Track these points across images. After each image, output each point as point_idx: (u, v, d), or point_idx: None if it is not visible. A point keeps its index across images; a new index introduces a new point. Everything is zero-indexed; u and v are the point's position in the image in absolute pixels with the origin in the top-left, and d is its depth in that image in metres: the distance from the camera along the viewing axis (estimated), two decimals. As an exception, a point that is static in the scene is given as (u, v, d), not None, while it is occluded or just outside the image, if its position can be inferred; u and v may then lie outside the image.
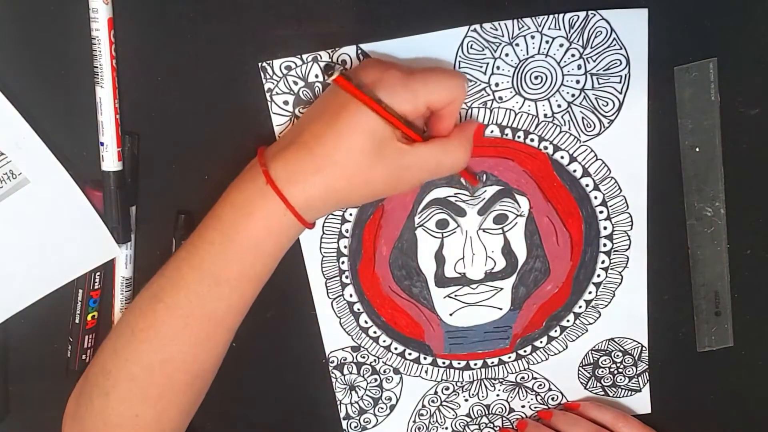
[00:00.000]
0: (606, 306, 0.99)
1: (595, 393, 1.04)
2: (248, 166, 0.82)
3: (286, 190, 0.77)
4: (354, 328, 0.98)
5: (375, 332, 0.98)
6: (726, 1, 0.87)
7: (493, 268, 0.95)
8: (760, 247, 0.97)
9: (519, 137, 0.89)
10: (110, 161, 0.86)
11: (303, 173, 0.77)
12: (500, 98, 0.87)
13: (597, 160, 0.90)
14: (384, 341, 0.99)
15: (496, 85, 0.86)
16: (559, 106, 0.87)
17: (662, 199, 0.94)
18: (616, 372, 1.02)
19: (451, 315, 0.98)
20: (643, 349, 1.01)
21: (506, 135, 0.89)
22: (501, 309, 0.98)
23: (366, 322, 0.98)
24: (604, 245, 0.95)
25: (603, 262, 0.96)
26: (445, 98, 0.78)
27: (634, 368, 1.02)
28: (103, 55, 0.82)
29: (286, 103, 0.86)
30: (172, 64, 0.86)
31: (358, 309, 0.97)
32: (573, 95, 0.87)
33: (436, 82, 0.77)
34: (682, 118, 0.90)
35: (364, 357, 1.00)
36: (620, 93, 0.87)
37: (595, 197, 0.92)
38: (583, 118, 0.88)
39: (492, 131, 0.88)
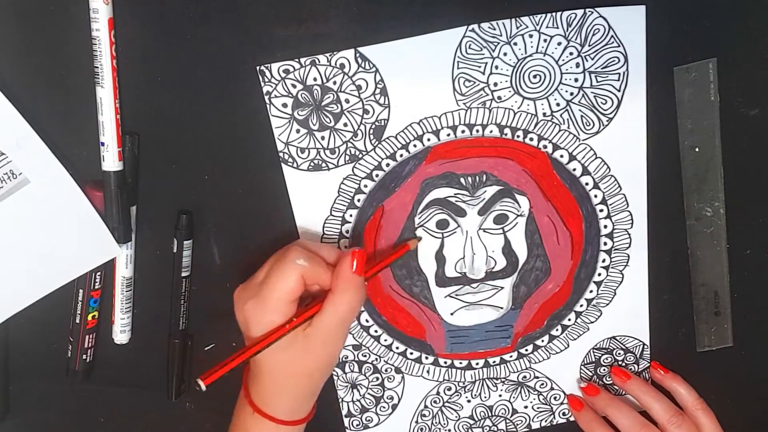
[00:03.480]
0: (607, 305, 0.99)
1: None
2: (240, 393, 0.92)
3: (270, 410, 0.88)
4: (355, 326, 0.98)
5: (376, 331, 0.99)
6: (726, 1, 0.87)
7: (493, 268, 0.95)
8: (760, 247, 0.98)
9: (518, 136, 0.89)
10: (111, 161, 0.86)
11: (270, 396, 0.88)
12: (499, 98, 0.87)
13: (596, 158, 0.90)
14: (385, 340, 0.99)
15: (495, 84, 0.86)
16: (557, 104, 0.87)
17: (662, 199, 0.94)
18: None
19: (452, 314, 0.98)
20: (645, 347, 1.01)
21: (505, 134, 0.89)
22: (502, 308, 0.98)
23: (367, 321, 0.98)
24: (605, 244, 0.95)
25: (604, 260, 0.96)
26: (293, 284, 0.83)
27: (636, 366, 1.02)
28: (104, 56, 0.82)
29: (284, 105, 0.86)
30: (172, 64, 0.85)
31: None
32: (572, 93, 0.87)
33: (276, 278, 0.84)
34: (681, 118, 0.91)
35: (365, 355, 1.00)
36: (619, 91, 0.87)
37: (595, 196, 0.92)
38: (582, 116, 0.88)
39: (491, 131, 0.88)
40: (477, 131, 0.88)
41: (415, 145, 0.89)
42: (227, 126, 0.88)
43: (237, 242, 0.94)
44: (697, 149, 0.91)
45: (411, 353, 1.00)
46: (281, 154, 0.88)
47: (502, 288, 0.96)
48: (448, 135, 0.88)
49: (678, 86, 0.89)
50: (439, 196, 0.91)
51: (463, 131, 0.88)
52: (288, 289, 0.83)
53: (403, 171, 0.90)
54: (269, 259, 0.87)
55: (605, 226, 0.94)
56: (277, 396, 0.88)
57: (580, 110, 0.88)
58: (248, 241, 0.94)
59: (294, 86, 0.85)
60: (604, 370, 1.03)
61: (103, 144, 0.85)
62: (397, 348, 1.00)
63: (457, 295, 0.96)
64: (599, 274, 0.97)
